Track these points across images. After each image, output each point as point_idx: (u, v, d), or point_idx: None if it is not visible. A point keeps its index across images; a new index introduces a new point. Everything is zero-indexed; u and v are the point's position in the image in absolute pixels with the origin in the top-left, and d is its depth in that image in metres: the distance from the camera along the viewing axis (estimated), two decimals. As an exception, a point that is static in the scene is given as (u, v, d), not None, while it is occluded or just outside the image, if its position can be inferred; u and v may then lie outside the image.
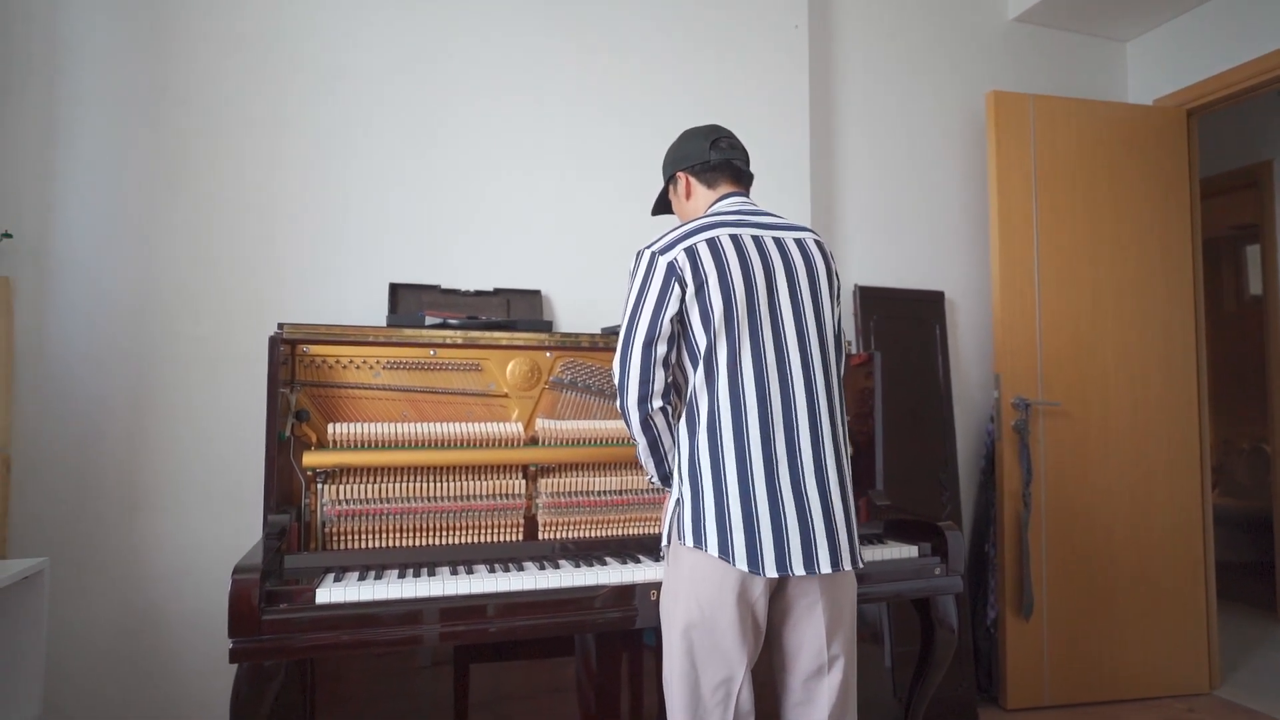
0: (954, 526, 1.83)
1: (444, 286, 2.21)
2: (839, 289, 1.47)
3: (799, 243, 1.41)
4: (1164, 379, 2.88)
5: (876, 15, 2.87)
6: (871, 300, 2.73)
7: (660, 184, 1.65)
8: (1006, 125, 2.79)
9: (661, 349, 1.32)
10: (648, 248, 1.37)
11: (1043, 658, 2.66)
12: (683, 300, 1.31)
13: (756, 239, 1.37)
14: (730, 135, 1.53)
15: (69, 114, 2.00)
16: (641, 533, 1.85)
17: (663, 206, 1.65)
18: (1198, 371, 2.94)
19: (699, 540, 1.29)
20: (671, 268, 1.31)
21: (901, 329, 2.76)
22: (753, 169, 1.55)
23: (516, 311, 2.23)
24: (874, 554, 1.79)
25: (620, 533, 1.85)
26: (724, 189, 1.49)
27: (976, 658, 2.72)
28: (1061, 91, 3.08)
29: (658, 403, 1.34)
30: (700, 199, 1.50)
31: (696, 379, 1.33)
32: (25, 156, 1.96)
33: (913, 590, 1.80)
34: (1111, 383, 2.82)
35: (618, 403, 1.38)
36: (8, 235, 1.90)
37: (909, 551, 1.83)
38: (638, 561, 1.67)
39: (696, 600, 1.30)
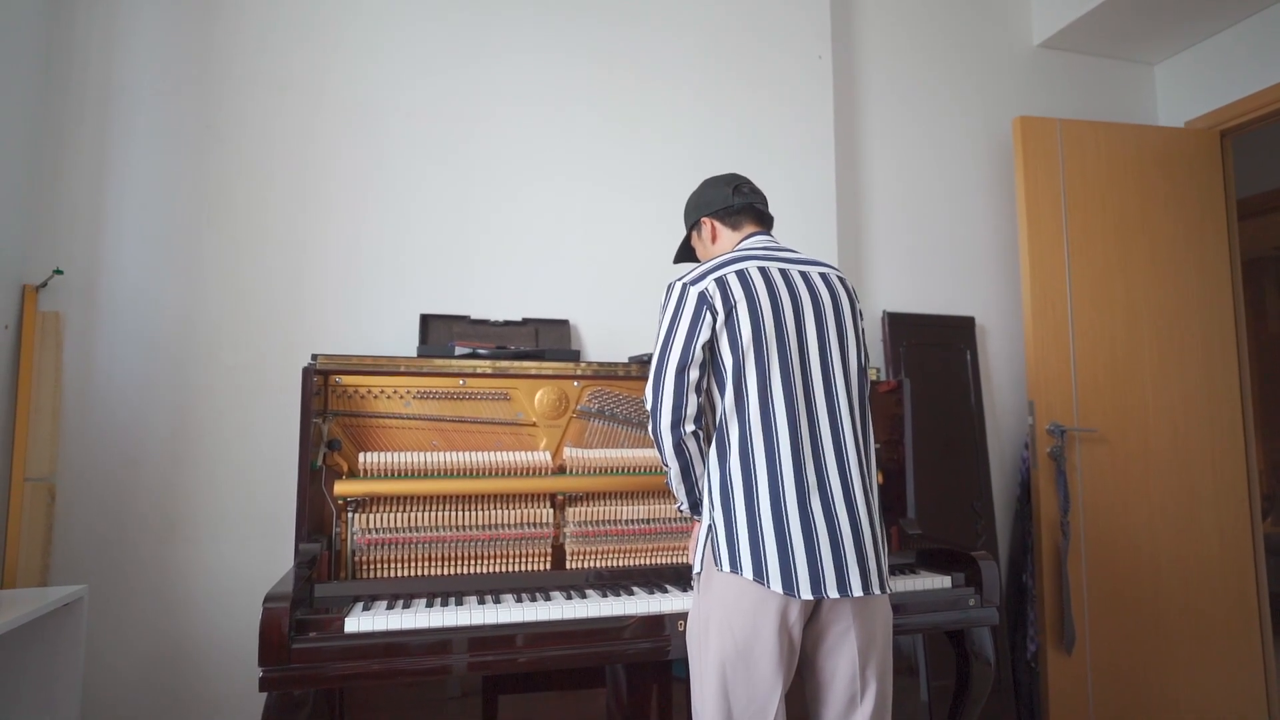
0: (988, 556, 1.78)
1: (474, 317, 2.24)
2: (863, 324, 1.49)
3: (823, 277, 1.45)
4: (1206, 403, 2.80)
5: (900, 44, 2.89)
6: (900, 326, 2.71)
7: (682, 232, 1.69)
8: (1034, 150, 2.78)
9: (694, 374, 1.35)
10: (679, 280, 1.41)
11: (1087, 693, 2.57)
12: (713, 328, 1.34)
13: (784, 272, 1.41)
14: (749, 181, 1.59)
15: (118, 160, 2.09)
16: (669, 562, 1.84)
17: (684, 255, 1.70)
18: (1242, 394, 2.85)
19: (734, 565, 1.29)
20: (702, 296, 1.35)
21: (931, 355, 2.73)
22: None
23: (545, 341, 2.26)
24: (906, 584, 1.75)
25: (648, 562, 1.83)
26: (748, 229, 1.54)
27: (1017, 692, 2.63)
28: (1090, 116, 3.06)
29: (690, 426, 1.36)
30: (725, 241, 1.55)
31: (726, 406, 1.35)
32: (78, 199, 2.05)
33: (947, 622, 1.76)
34: (1150, 408, 2.75)
35: (650, 428, 1.40)
36: (59, 272, 1.98)
37: (942, 582, 1.79)
38: (665, 591, 1.66)
39: (730, 628, 1.29)
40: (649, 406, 1.39)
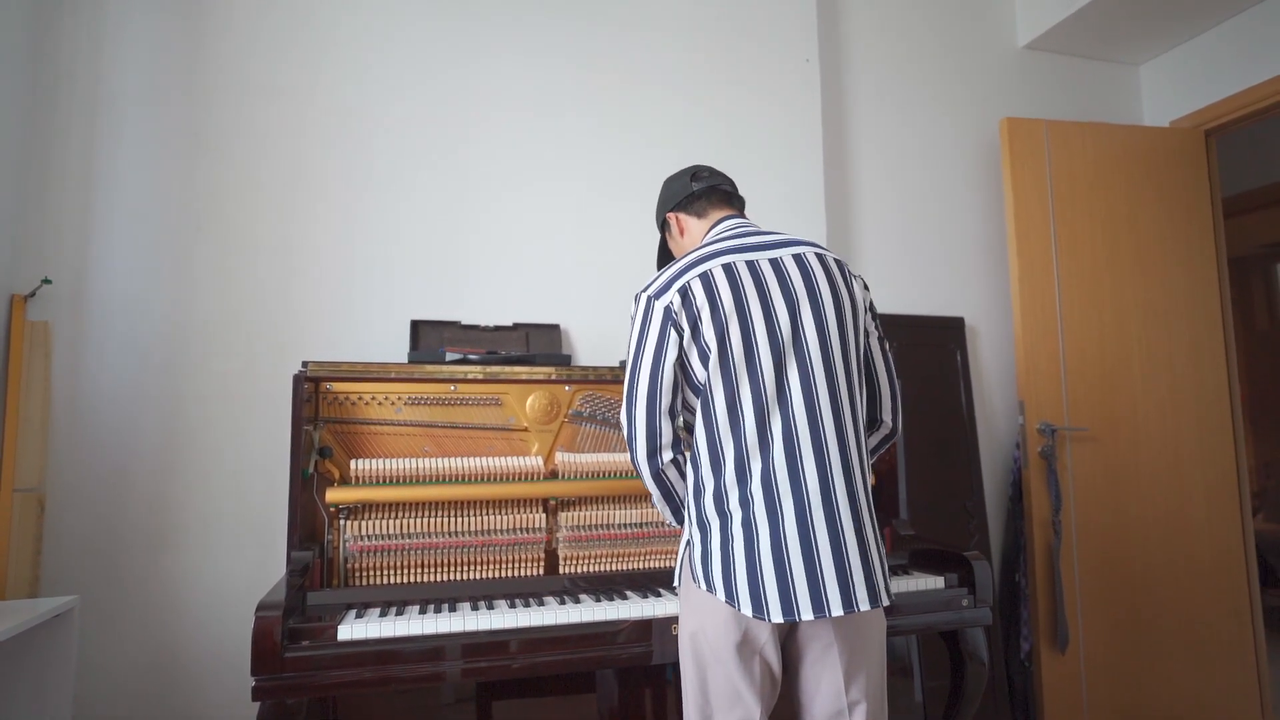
0: (981, 557, 1.79)
1: (464, 322, 2.24)
2: (857, 297, 1.38)
3: (798, 259, 1.33)
4: (1195, 401, 2.82)
5: (887, 47, 2.91)
6: (890, 328, 2.70)
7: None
8: (1021, 151, 2.79)
9: (666, 399, 1.29)
10: (644, 291, 1.33)
11: (1080, 691, 2.58)
12: (681, 345, 1.28)
13: (751, 264, 1.31)
14: (709, 167, 1.52)
15: (106, 167, 2.08)
16: (662, 565, 1.84)
17: (664, 256, 1.64)
18: (1230, 392, 2.88)
19: (708, 584, 1.26)
20: (667, 312, 1.28)
21: (921, 356, 2.74)
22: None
23: (535, 346, 2.26)
24: (899, 585, 1.75)
25: (640, 566, 1.84)
26: (716, 214, 1.46)
27: (1011, 692, 2.64)
28: (1076, 116, 3.08)
29: (668, 455, 1.31)
30: (694, 231, 1.48)
31: (699, 424, 1.30)
32: (65, 207, 2.04)
33: (941, 623, 1.76)
34: (1140, 406, 2.76)
35: (629, 455, 1.35)
36: (47, 281, 1.97)
37: (935, 583, 1.79)
38: (658, 595, 1.66)
39: (708, 644, 1.28)
40: (625, 434, 1.32)
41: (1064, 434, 2.68)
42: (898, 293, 2.80)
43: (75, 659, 1.77)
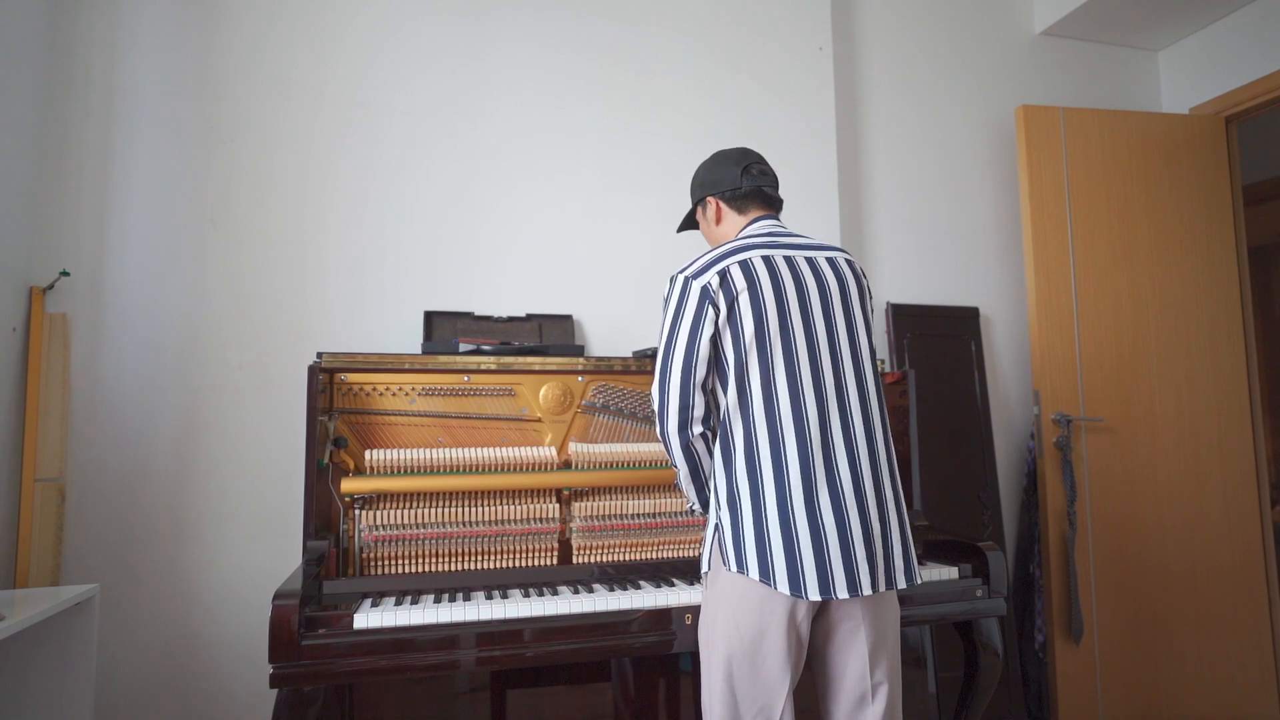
0: (995, 547, 1.78)
1: (477, 313, 2.25)
2: (872, 308, 1.47)
3: (830, 261, 1.42)
4: (1213, 391, 2.79)
5: (900, 35, 2.88)
6: (904, 318, 2.70)
7: (688, 203, 1.67)
8: (1037, 139, 2.76)
9: (700, 373, 1.32)
10: (681, 272, 1.37)
11: (1095, 683, 2.57)
12: (716, 323, 1.32)
13: (789, 259, 1.37)
14: (762, 161, 1.54)
15: (122, 161, 2.09)
16: (675, 555, 1.85)
17: (688, 224, 1.67)
18: (1249, 382, 2.84)
19: (740, 565, 1.27)
20: (705, 291, 1.32)
21: (936, 346, 2.72)
22: (781, 190, 1.55)
23: (548, 336, 2.26)
24: (913, 576, 1.75)
25: (654, 556, 1.84)
26: (754, 213, 1.50)
27: (1025, 683, 2.64)
28: (1092, 103, 3.04)
29: (698, 429, 1.35)
30: (730, 224, 1.52)
31: (730, 402, 1.32)
32: (82, 200, 2.06)
33: (955, 613, 1.76)
34: (1157, 396, 2.74)
35: (657, 429, 1.38)
36: (66, 274, 1.99)
37: (949, 573, 1.79)
38: (672, 585, 1.66)
39: (737, 626, 1.28)
40: (655, 407, 1.36)
41: (1079, 424, 2.66)
42: (911, 283, 2.78)
43: (95, 646, 1.80)
